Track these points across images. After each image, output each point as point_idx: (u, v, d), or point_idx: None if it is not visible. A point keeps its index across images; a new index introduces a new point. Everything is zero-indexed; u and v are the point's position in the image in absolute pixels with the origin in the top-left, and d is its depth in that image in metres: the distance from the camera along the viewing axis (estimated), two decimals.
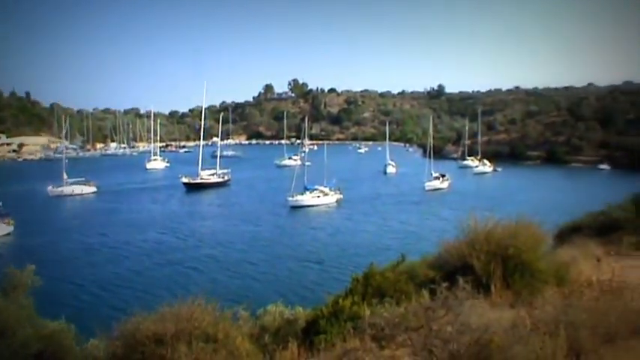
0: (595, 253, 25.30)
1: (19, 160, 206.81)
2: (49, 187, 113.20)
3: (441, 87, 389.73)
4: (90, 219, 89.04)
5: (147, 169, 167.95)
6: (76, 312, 37.02)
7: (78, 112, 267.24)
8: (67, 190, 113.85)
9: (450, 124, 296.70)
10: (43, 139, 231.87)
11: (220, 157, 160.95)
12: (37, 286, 14.52)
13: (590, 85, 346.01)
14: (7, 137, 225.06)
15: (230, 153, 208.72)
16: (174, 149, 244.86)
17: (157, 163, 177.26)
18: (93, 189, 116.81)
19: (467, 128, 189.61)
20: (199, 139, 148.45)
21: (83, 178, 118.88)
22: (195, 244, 71.30)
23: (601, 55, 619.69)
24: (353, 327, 11.86)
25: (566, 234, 35.85)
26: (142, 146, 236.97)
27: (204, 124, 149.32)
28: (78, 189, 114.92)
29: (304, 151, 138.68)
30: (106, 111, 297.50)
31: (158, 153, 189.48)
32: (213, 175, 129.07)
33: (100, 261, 62.65)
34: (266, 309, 17.18)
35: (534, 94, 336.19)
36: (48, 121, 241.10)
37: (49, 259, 60.17)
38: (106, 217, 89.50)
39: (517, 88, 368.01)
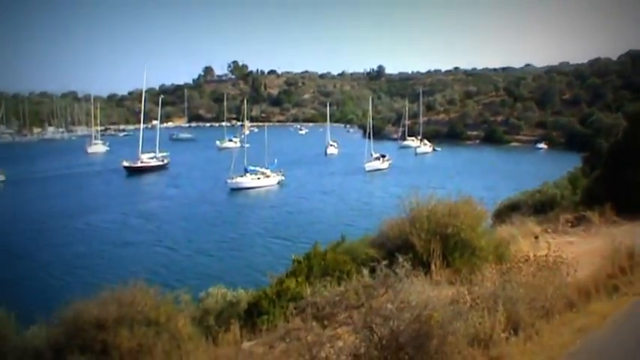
0: (533, 231, 25.74)
1: None
2: None
3: (380, 68, 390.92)
4: None
5: (88, 153, 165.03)
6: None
7: (13, 96, 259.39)
8: None
9: (389, 104, 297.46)
10: None
11: (177, 139, 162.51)
12: None
13: (527, 65, 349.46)
14: None
15: (186, 136, 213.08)
16: (113, 133, 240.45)
17: (98, 147, 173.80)
18: (0, 177, 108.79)
19: (407, 109, 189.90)
20: (139, 122, 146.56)
21: None
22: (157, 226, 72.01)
23: (538, 37, 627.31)
24: (295, 307, 11.91)
25: (505, 212, 36.42)
26: (80, 130, 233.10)
27: (144, 107, 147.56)
28: None
29: (244, 134, 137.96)
30: (43, 94, 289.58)
31: (99, 137, 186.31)
32: (152, 158, 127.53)
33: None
34: (208, 292, 17.14)
35: (473, 75, 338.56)
36: None
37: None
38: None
39: (456, 68, 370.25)
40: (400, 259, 9.47)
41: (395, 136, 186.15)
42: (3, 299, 13.73)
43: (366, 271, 9.98)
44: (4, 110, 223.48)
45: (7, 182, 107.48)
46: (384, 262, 9.46)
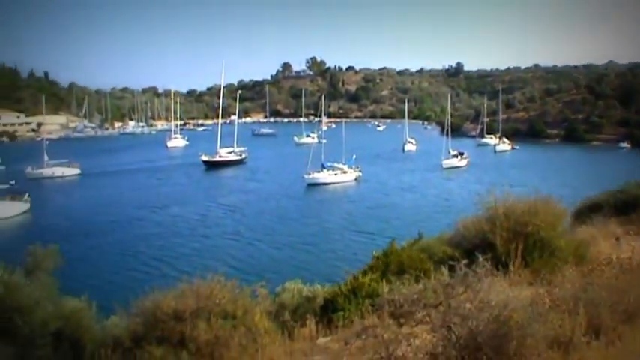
0: (614, 232, 25.13)
1: (38, 139, 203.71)
2: (28, 169, 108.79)
3: (459, 65, 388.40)
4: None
5: (168, 148, 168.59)
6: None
7: (96, 91, 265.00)
8: (46, 172, 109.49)
9: (468, 102, 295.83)
10: (61, 118, 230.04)
11: (259, 134, 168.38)
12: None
13: (610, 62, 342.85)
14: (26, 117, 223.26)
15: (267, 131, 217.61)
16: (192, 127, 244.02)
17: (178, 142, 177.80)
18: (76, 171, 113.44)
19: (485, 106, 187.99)
20: (217, 117, 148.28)
21: (67, 160, 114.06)
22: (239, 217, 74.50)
23: (622, 32, 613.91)
24: (371, 304, 11.88)
25: (585, 212, 35.68)
26: (159, 125, 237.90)
27: (223, 103, 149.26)
28: (59, 171, 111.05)
29: (321, 129, 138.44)
30: (124, 90, 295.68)
31: (178, 131, 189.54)
32: (230, 153, 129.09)
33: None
34: (284, 286, 17.25)
35: (553, 72, 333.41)
36: (66, 100, 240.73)
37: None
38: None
39: (536, 65, 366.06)
40: (480, 258, 9.38)
41: (473, 133, 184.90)
42: (87, 288, 14.03)
43: (445, 270, 9.91)
44: (88, 105, 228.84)
45: (83, 175, 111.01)
46: (464, 261, 9.37)
